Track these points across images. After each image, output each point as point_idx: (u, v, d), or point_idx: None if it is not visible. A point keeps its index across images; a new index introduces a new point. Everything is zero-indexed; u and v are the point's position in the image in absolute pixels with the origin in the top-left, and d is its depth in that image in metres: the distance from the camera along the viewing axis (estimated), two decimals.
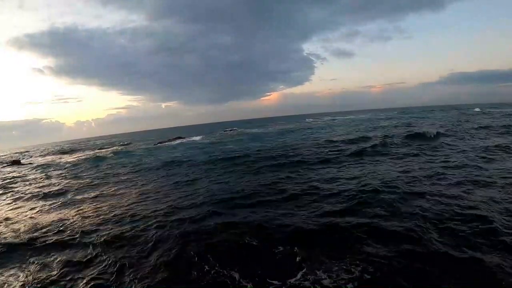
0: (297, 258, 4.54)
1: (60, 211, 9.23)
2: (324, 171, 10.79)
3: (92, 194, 10.99)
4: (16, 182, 16.60)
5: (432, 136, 16.77)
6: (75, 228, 7.18)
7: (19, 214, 9.55)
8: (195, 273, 4.52)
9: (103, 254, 5.53)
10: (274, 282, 4.09)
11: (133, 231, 6.45)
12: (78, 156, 30.27)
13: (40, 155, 40.65)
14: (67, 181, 15.01)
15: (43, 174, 18.96)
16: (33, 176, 18.39)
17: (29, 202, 11.16)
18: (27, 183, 16.04)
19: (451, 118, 32.51)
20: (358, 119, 49.11)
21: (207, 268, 4.59)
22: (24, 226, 7.85)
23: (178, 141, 35.80)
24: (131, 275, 4.65)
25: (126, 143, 47.41)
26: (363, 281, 3.91)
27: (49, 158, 34.30)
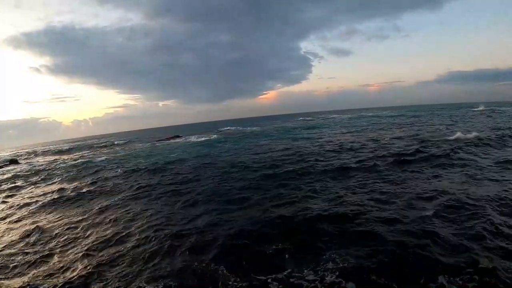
0: None
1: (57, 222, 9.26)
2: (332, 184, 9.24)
3: (86, 203, 10.69)
4: (13, 183, 16.68)
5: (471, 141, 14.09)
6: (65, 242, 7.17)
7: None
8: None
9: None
10: None
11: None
12: (74, 156, 30.28)
13: (37, 155, 40.51)
14: (63, 186, 14.78)
15: (40, 176, 18.96)
16: (30, 178, 18.43)
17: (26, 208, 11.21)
18: (24, 185, 16.10)
19: (471, 117, 30.89)
20: (362, 118, 49.04)
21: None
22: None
23: (175, 140, 36.01)
24: None
25: (123, 142, 47.26)
26: None
27: (46, 158, 34.22)
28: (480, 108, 44.23)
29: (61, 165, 23.27)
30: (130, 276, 5.02)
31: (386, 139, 17.87)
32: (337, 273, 4.43)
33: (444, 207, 6.46)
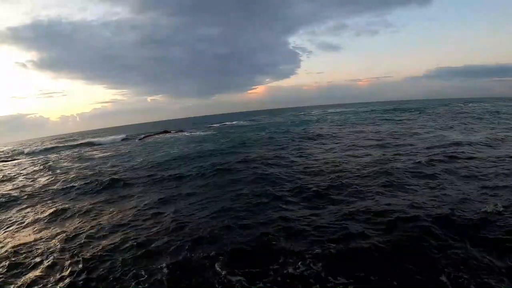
0: None
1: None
2: None
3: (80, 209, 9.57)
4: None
5: None
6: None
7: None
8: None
9: None
10: None
11: None
12: (66, 154, 30.29)
13: (24, 152, 39.90)
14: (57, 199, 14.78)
15: (30, 176, 19.15)
16: (19, 177, 18.64)
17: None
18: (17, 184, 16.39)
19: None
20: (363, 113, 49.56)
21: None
22: None
23: (165, 135, 36.48)
24: None
25: (109, 139, 46.52)
26: None
27: (34, 157, 33.98)
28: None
29: (57, 163, 23.42)
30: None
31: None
32: None
33: None
